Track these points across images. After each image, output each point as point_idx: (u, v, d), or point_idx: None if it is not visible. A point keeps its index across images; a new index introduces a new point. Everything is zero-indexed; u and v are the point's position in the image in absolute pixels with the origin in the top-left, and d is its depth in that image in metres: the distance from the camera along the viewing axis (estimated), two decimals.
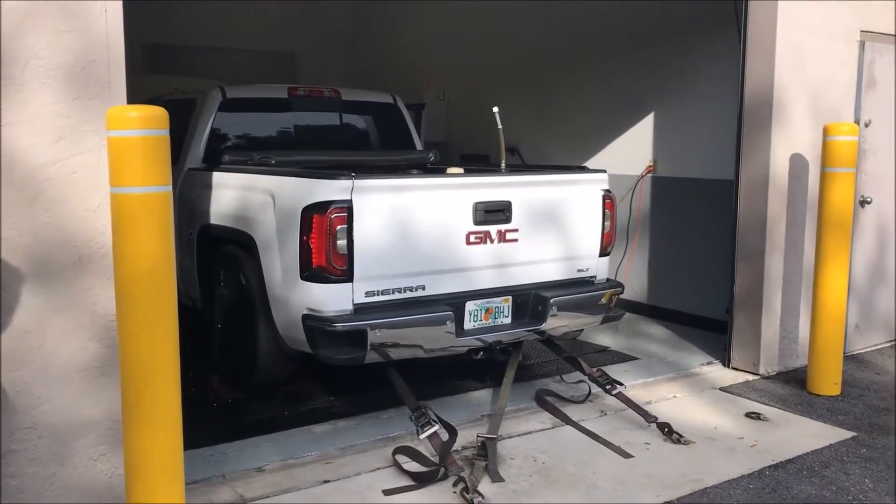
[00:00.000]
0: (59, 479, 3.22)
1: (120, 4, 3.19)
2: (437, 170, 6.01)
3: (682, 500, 3.78)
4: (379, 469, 4.05)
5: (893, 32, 6.12)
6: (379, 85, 8.26)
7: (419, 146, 6.87)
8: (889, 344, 6.56)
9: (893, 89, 6.22)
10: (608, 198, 5.15)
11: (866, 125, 6.04)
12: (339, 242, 4.20)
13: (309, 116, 6.50)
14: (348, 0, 11.10)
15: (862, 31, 5.94)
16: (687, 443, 4.43)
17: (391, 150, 6.66)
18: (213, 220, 5.23)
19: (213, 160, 5.71)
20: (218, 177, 5.29)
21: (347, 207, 4.19)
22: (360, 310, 4.29)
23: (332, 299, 4.26)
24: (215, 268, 5.35)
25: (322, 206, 4.18)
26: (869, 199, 6.14)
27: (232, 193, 5.08)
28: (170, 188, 2.92)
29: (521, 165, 7.99)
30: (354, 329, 4.22)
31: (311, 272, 4.26)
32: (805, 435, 4.62)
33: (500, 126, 5.14)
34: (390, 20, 10.80)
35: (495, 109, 5.08)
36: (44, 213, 3.11)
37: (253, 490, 3.80)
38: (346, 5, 11.19)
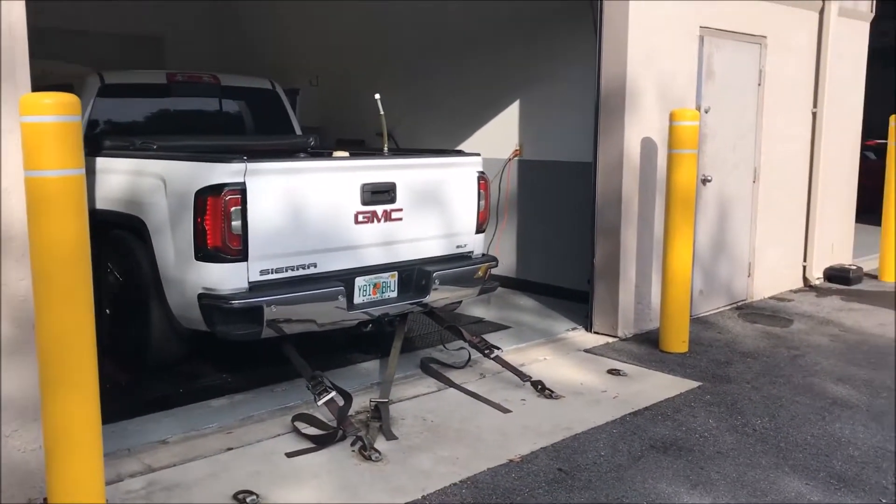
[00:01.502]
0: None
1: None
2: (320, 153, 6.24)
3: (556, 445, 4.25)
4: (279, 435, 4.30)
5: (726, 28, 6.84)
6: (248, 70, 8.33)
7: (298, 131, 7.06)
8: (728, 307, 7.35)
9: (728, 79, 6.96)
10: (482, 179, 5.56)
11: (706, 111, 6.74)
12: (233, 224, 4.38)
13: (189, 102, 6.57)
14: None
15: (701, 27, 6.61)
16: (558, 397, 4.93)
17: (271, 134, 6.82)
18: (100, 205, 5.26)
19: (94, 146, 5.70)
20: (103, 162, 5.32)
21: (241, 190, 4.38)
22: (255, 287, 4.50)
23: (227, 278, 4.45)
24: (104, 253, 5.38)
25: (216, 189, 4.35)
26: (710, 178, 6.85)
27: (119, 178, 5.14)
28: (83, 171, 3.07)
29: (403, 149, 8.28)
30: (250, 306, 4.43)
31: (206, 253, 4.43)
32: (659, 386, 5.22)
33: (381, 112, 5.43)
34: (259, 5, 10.79)
35: (377, 96, 5.36)
36: None
37: (160, 460, 3.98)
38: None
